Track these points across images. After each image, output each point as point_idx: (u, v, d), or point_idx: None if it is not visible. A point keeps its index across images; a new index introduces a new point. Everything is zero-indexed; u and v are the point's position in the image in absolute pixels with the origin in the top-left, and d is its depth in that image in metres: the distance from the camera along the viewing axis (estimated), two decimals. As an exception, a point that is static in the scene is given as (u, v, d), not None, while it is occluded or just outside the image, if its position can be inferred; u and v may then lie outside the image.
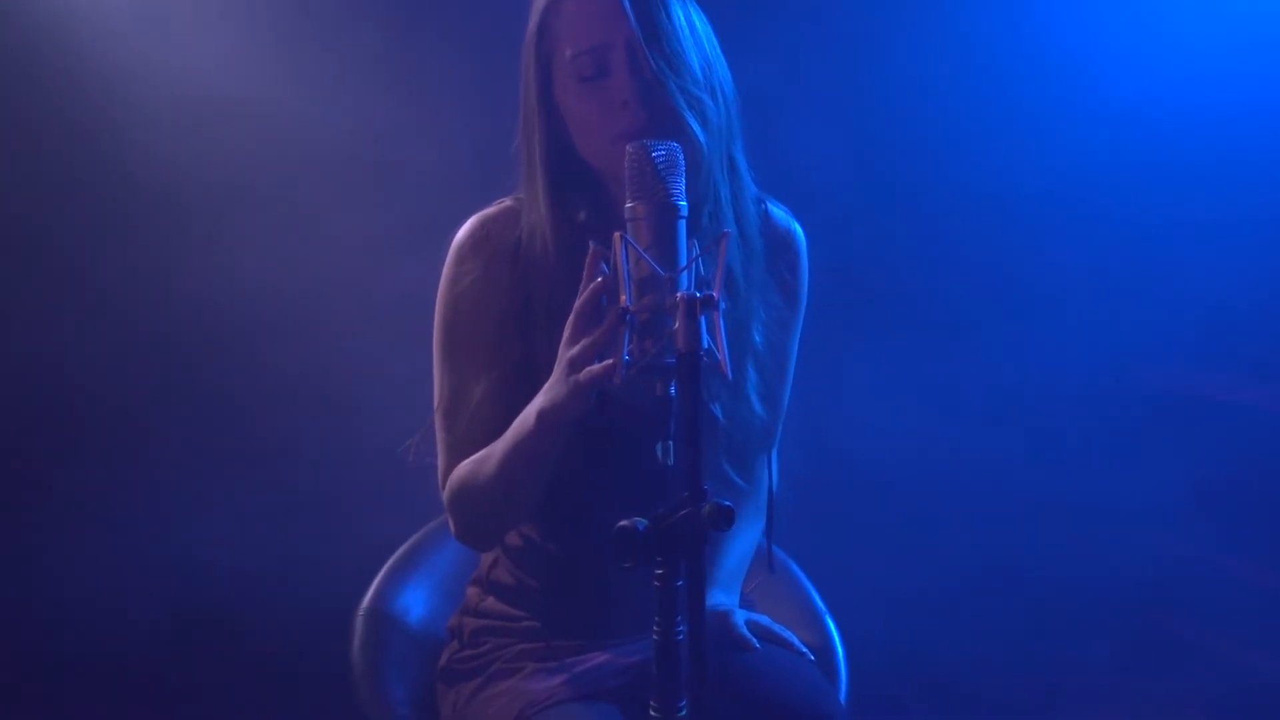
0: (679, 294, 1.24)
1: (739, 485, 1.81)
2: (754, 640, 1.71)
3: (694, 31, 1.58)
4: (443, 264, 1.70)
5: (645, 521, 1.22)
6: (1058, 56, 2.74)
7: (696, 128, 1.54)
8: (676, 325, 1.23)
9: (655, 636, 1.25)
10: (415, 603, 1.96)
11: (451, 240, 1.69)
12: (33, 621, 2.60)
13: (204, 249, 2.63)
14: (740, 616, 1.75)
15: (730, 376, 1.32)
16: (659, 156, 1.34)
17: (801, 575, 2.06)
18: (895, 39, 2.72)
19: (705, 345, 1.24)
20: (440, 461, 1.69)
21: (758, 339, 1.70)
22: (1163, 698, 2.73)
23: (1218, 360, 2.82)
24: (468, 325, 1.65)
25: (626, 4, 1.53)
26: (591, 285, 1.37)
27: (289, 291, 2.63)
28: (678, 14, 1.56)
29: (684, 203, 1.34)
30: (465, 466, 1.62)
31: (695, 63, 1.56)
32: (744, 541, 1.87)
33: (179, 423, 2.66)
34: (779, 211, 1.79)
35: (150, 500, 2.63)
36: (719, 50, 1.64)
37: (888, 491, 2.73)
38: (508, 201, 1.71)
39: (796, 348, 1.84)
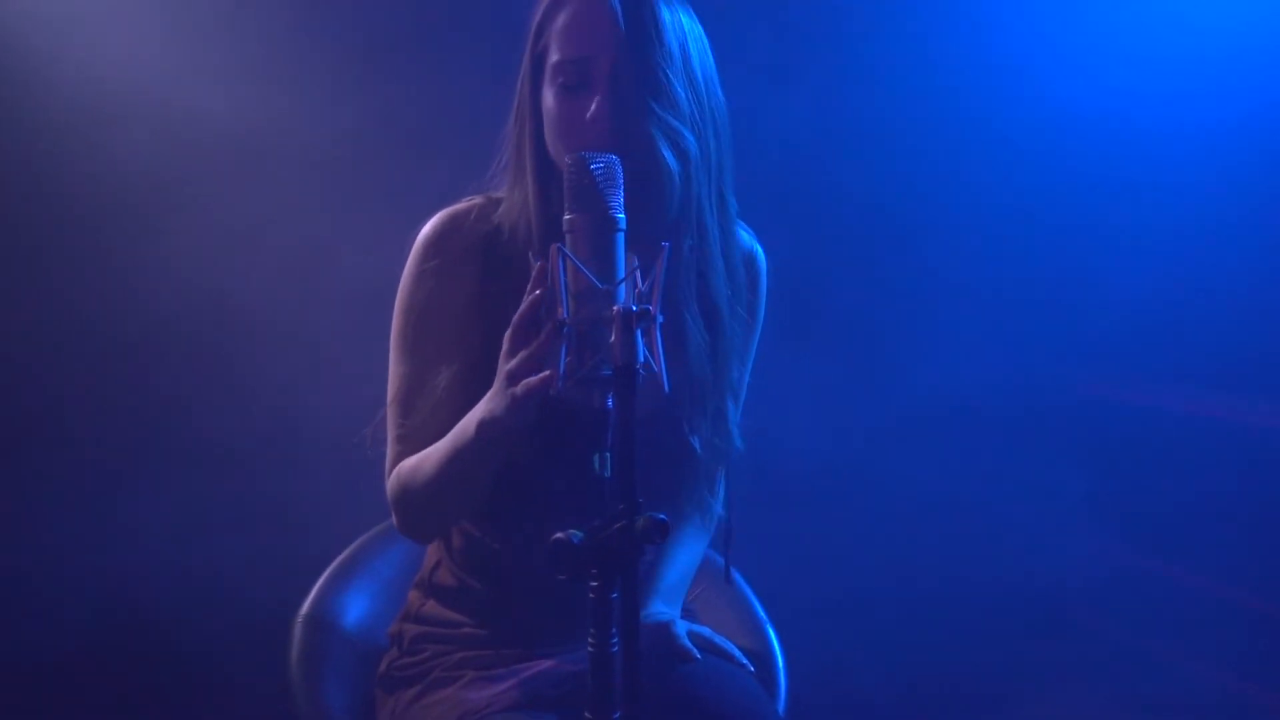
0: (616, 308, 1.25)
1: (708, 507, 1.83)
2: (695, 651, 1.72)
3: (687, 62, 1.57)
4: (394, 263, 1.70)
5: (580, 534, 1.23)
6: (983, 69, 2.77)
7: (670, 158, 1.54)
8: (613, 339, 1.25)
9: (590, 648, 1.26)
10: (356, 609, 1.95)
11: (412, 236, 1.69)
12: None
13: (145, 247, 2.59)
14: (681, 627, 1.76)
15: (667, 389, 1.31)
16: (597, 169, 1.34)
17: (744, 585, 2.07)
18: (811, 49, 2.74)
19: (642, 359, 1.25)
20: (389, 452, 1.69)
21: (735, 374, 1.73)
22: (1101, 701, 2.78)
23: (1132, 366, 2.87)
24: (427, 319, 1.66)
25: (621, 23, 1.53)
26: (529, 299, 1.37)
27: (234, 291, 2.61)
28: (671, 41, 1.55)
29: (622, 216, 1.34)
30: (409, 463, 1.63)
31: (680, 93, 1.55)
32: (689, 553, 1.88)
33: (117, 423, 2.62)
34: (743, 233, 1.80)
35: (87, 502, 2.59)
36: (716, 84, 1.64)
37: (825, 501, 2.75)
38: (477, 199, 1.71)
39: (750, 366, 1.87)
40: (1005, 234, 2.83)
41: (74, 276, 2.59)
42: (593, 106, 1.53)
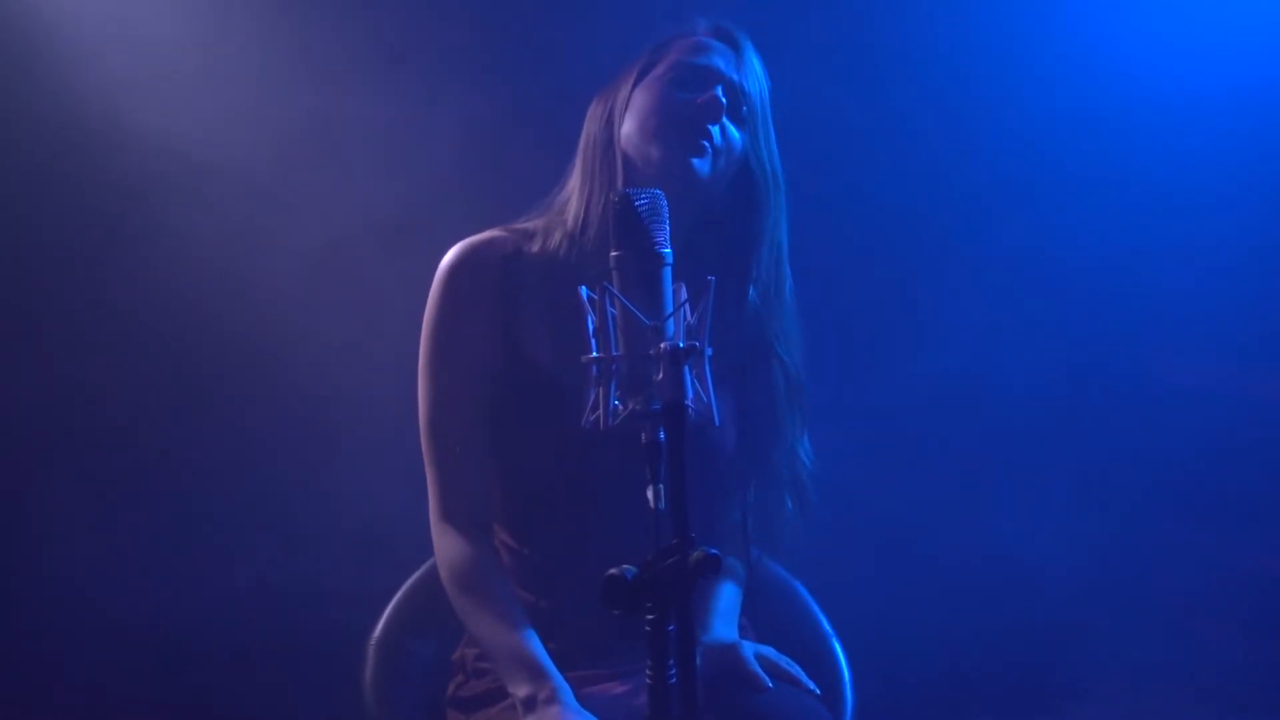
0: (663, 345, 1.27)
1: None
2: (766, 679, 1.71)
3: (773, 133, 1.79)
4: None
5: (633, 569, 1.25)
6: (945, 61, 2.73)
7: (772, 167, 1.76)
8: (660, 375, 1.27)
9: (648, 680, 1.27)
10: (427, 631, 1.98)
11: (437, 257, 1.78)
12: (31, 640, 2.55)
13: (203, 251, 2.59)
14: (748, 649, 1.76)
15: (718, 423, 1.33)
16: (642, 205, 1.35)
17: (809, 598, 2.07)
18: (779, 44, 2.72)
19: (690, 395, 1.27)
20: (430, 493, 1.77)
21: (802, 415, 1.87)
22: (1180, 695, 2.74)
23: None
24: (447, 349, 1.73)
25: (744, 61, 1.75)
26: None
27: (307, 298, 2.61)
28: (768, 101, 1.77)
29: (668, 250, 1.36)
30: (460, 571, 1.73)
31: (773, 151, 1.78)
32: (739, 575, 1.91)
33: (184, 441, 2.62)
34: None
35: (152, 519, 2.59)
36: None
37: (883, 509, 2.73)
38: (497, 230, 1.78)
39: None
40: (1006, 219, 2.78)
41: (143, 293, 2.59)
42: (705, 96, 1.68)
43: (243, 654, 2.58)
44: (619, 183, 1.70)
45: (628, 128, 1.71)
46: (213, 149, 2.56)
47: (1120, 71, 2.74)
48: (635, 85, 1.73)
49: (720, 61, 1.72)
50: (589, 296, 1.37)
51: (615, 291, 1.34)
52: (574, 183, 1.78)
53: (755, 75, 1.75)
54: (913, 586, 2.71)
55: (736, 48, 1.75)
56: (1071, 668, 2.80)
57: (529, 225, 1.79)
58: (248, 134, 2.57)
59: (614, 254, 1.36)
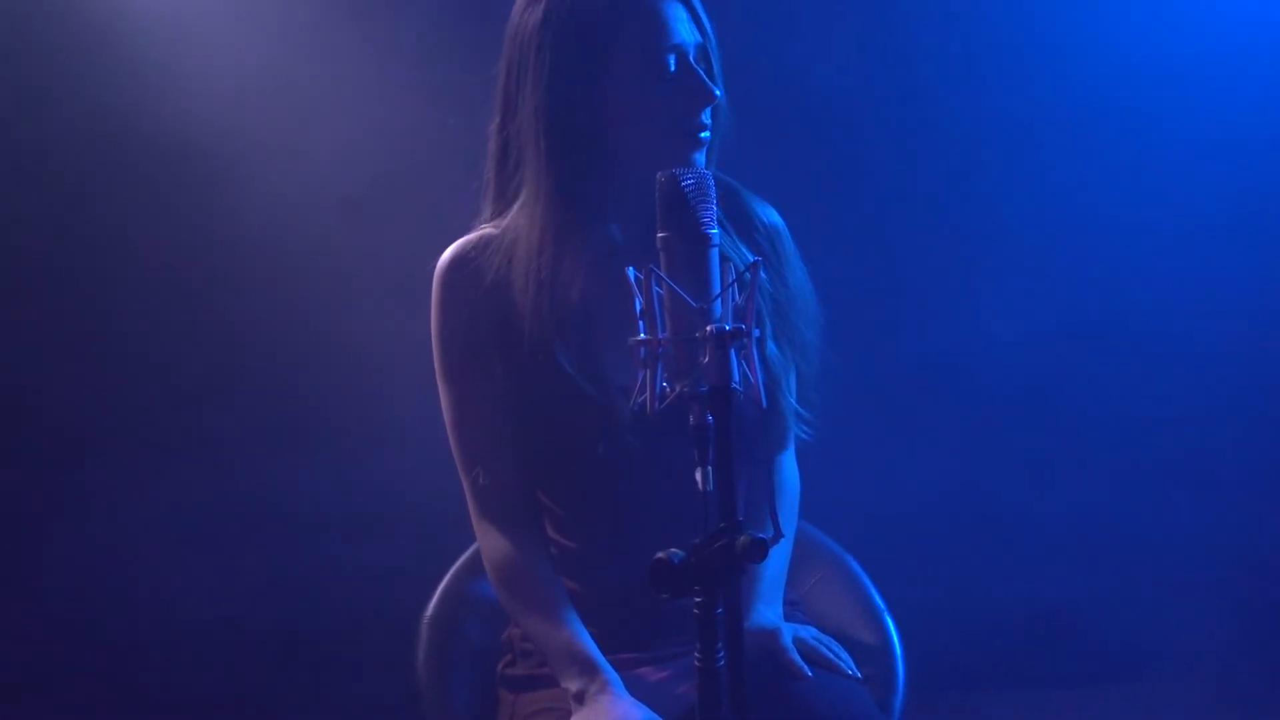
0: (709, 327, 1.26)
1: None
2: (805, 668, 1.69)
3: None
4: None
5: (681, 553, 1.24)
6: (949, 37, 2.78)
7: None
8: (706, 358, 1.26)
9: (696, 663, 1.27)
10: (480, 608, 1.98)
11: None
12: (80, 630, 2.63)
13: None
14: (787, 634, 1.74)
15: (764, 404, 1.32)
16: (688, 185, 1.34)
17: (860, 572, 2.06)
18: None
19: (737, 378, 1.26)
20: (469, 500, 1.77)
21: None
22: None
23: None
24: (453, 349, 1.73)
25: (701, 13, 1.66)
26: None
27: (361, 291, 2.66)
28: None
29: (715, 231, 1.34)
30: (497, 574, 1.74)
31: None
32: (782, 547, 1.88)
33: (240, 422, 2.69)
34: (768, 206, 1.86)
35: (199, 502, 2.66)
36: None
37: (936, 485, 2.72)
38: (486, 228, 1.75)
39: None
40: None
41: (163, 279, 2.67)
42: (696, 88, 1.61)
43: (295, 637, 2.64)
44: (599, 176, 1.67)
45: (616, 129, 1.65)
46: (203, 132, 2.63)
47: (1120, 44, 2.72)
48: (597, 73, 1.62)
49: (684, 30, 1.63)
50: (635, 278, 1.37)
51: (661, 273, 1.33)
52: (536, 182, 1.69)
53: (706, 19, 1.66)
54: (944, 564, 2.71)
55: None
56: (1138, 645, 2.79)
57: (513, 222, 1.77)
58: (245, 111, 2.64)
59: (660, 235, 1.35)
